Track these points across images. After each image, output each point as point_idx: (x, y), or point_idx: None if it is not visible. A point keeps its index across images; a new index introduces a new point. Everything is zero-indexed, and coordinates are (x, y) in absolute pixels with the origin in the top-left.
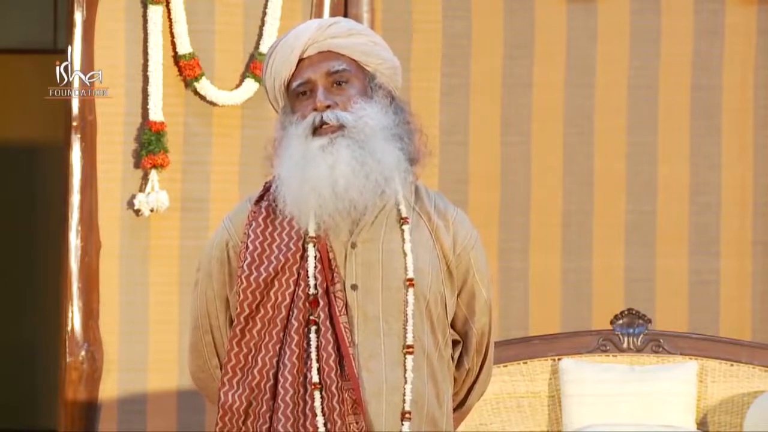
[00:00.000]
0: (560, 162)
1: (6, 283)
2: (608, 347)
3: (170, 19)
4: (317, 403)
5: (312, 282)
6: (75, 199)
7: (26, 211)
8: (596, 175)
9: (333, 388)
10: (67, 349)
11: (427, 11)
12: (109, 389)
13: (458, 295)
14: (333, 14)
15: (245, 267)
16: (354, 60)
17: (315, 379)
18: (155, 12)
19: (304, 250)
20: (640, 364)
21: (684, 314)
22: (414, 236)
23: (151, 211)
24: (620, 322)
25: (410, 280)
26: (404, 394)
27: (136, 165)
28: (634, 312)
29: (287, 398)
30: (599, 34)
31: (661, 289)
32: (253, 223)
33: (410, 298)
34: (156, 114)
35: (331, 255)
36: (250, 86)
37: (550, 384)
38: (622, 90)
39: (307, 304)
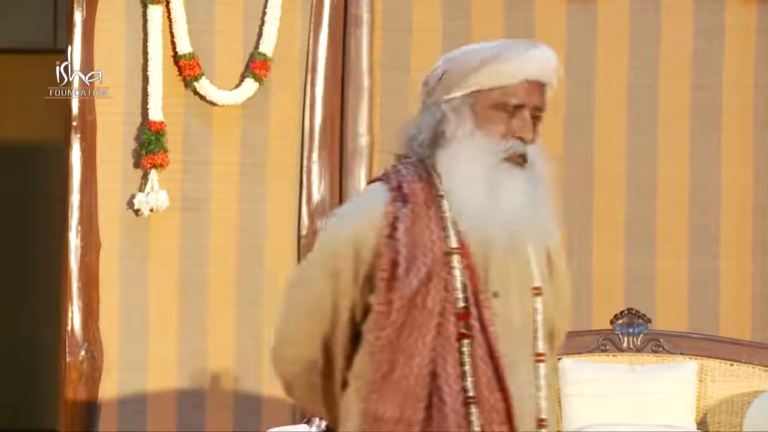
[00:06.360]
0: (560, 162)
1: (6, 283)
2: (608, 347)
3: (170, 19)
4: (474, 417)
5: (461, 295)
6: (75, 199)
7: (26, 211)
8: (596, 175)
9: (487, 399)
10: (67, 349)
11: (427, 11)
12: (109, 389)
13: None
14: (333, 14)
15: (394, 274)
16: None
17: (471, 392)
18: (155, 12)
19: (451, 256)
20: (640, 363)
21: (684, 314)
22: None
23: (151, 210)
24: (620, 321)
25: (537, 288)
26: (539, 401)
27: (136, 165)
28: (633, 312)
29: (444, 410)
30: (599, 34)
31: (661, 289)
32: (400, 226)
33: (539, 305)
34: (156, 114)
35: (475, 261)
36: (250, 86)
37: None
38: (622, 90)
39: (457, 314)
